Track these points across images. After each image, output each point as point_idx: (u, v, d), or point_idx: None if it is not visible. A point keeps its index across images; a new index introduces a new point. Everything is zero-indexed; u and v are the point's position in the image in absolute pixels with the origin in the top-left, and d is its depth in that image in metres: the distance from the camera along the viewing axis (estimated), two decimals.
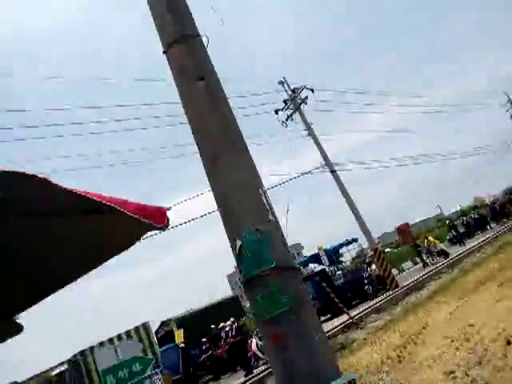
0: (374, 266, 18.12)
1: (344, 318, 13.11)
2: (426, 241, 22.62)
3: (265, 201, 2.12)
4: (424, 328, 7.46)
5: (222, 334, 14.43)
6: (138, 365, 8.13)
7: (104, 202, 1.98)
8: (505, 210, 29.35)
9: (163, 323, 18.69)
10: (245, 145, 2.34)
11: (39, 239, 2.29)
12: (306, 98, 19.03)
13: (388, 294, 15.56)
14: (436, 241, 22.10)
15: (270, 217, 2.07)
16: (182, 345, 14.55)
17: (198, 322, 16.75)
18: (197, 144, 2.32)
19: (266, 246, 1.91)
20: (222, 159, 2.15)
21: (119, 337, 12.68)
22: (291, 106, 19.28)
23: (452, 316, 7.39)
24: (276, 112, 19.23)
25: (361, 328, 11.22)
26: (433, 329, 7.14)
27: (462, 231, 29.03)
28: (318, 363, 1.75)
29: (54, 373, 17.51)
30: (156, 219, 2.80)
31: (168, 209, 3.10)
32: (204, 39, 2.66)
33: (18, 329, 3.08)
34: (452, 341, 5.77)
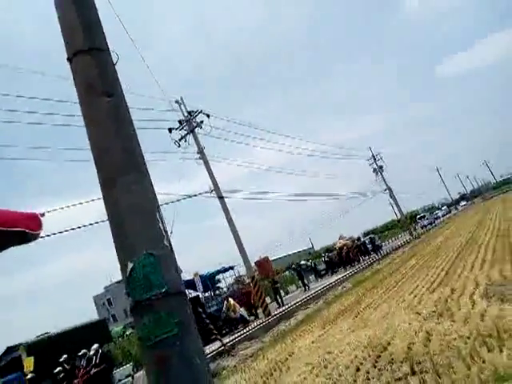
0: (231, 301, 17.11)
1: (216, 345, 13.16)
2: (225, 303, 17.17)
3: (161, 226, 2.12)
4: (290, 355, 7.96)
5: (83, 362, 13.11)
6: None
7: None
8: (350, 256, 30.38)
9: (9, 349, 16.06)
10: (146, 168, 2.33)
11: None
12: (202, 122, 19.39)
13: (259, 322, 16.19)
14: (236, 305, 17.07)
15: (165, 242, 2.08)
16: (31, 374, 12.69)
17: (56, 348, 14.87)
18: (95, 162, 2.22)
19: (158, 270, 1.91)
20: (122, 181, 2.09)
21: None
22: (186, 128, 19.40)
23: (314, 344, 8.06)
24: (170, 130, 19.14)
25: (232, 355, 11.39)
26: (297, 356, 7.67)
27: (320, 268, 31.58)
28: None
29: None
30: (28, 227, 2.55)
31: (42, 215, 2.82)
32: (114, 55, 2.61)
33: None
34: (313, 367, 6.28)
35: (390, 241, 51.65)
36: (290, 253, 73.54)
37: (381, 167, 47.19)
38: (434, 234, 34.36)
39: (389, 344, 5.81)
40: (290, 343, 9.37)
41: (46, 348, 15.34)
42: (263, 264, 21.25)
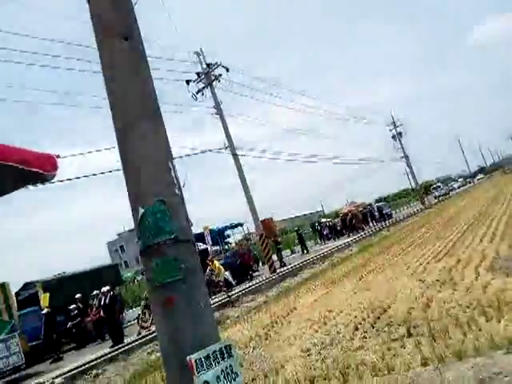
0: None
1: (222, 296, 13.69)
2: (209, 266, 15.88)
3: (173, 175, 2.15)
4: (292, 311, 8.25)
5: (95, 301, 13.87)
6: None
7: None
8: (353, 223, 29.99)
9: (27, 285, 17.01)
10: (161, 116, 2.31)
11: None
12: (220, 75, 18.91)
13: (266, 276, 16.68)
14: (221, 268, 16.08)
15: (176, 191, 2.11)
16: (47, 309, 13.50)
17: (70, 288, 15.68)
18: (111, 107, 2.21)
19: (168, 217, 1.96)
20: (136, 127, 2.09)
21: None
22: (204, 81, 18.98)
23: (316, 302, 8.32)
24: (187, 82, 18.69)
25: (236, 307, 11.87)
26: (299, 312, 7.95)
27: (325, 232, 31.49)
28: (202, 329, 1.90)
29: None
30: (43, 167, 2.59)
31: (57, 156, 2.87)
32: None
33: None
34: (313, 323, 6.53)
35: (402, 209, 51.48)
36: (300, 214, 74.21)
37: (400, 133, 46.13)
38: (447, 205, 34.04)
39: (389, 307, 5.96)
40: (293, 299, 9.67)
41: (61, 286, 16.20)
42: (267, 224, 21.38)
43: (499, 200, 20.97)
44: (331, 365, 4.39)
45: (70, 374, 8.59)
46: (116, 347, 10.57)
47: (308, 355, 5.09)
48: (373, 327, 5.33)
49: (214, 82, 18.96)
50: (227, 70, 18.92)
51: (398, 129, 46.23)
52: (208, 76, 18.87)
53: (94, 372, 8.53)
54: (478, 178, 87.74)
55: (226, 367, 1.85)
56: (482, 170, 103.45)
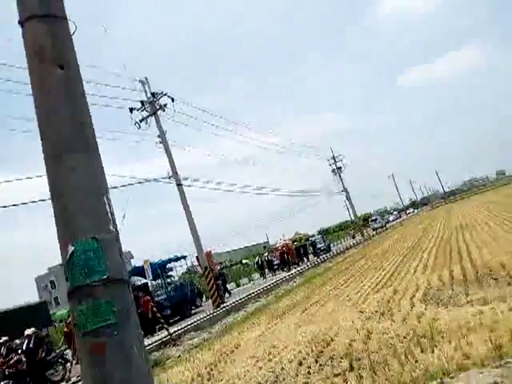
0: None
1: (163, 333, 12.99)
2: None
3: (107, 209, 2.02)
4: (236, 348, 8.01)
5: (14, 346, 12.41)
6: None
7: None
8: (289, 258, 28.80)
9: None
10: (96, 146, 2.20)
11: None
12: (165, 105, 18.90)
13: (209, 312, 16.18)
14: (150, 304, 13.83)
15: (111, 227, 1.98)
16: None
17: None
18: (41, 135, 2.07)
19: (100, 255, 1.82)
20: (69, 159, 1.96)
21: None
22: (148, 109, 18.83)
23: (261, 337, 8.16)
24: (131, 110, 18.47)
25: (178, 345, 11.30)
26: (243, 348, 7.74)
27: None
28: (134, 377, 1.74)
29: None
30: None
31: None
32: (71, 24, 2.44)
33: None
34: (257, 360, 6.36)
35: (343, 240, 53.38)
36: (245, 245, 74.04)
37: (339, 168, 48.55)
38: (383, 237, 35.89)
39: (332, 340, 5.99)
40: (237, 335, 9.43)
41: None
42: (206, 257, 20.90)
43: (429, 233, 22.56)
44: None
45: None
46: None
47: None
48: (316, 362, 5.31)
49: (159, 111, 18.86)
50: (172, 99, 18.93)
51: (338, 163, 48.74)
52: (153, 105, 18.76)
53: None
54: (409, 211, 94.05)
55: None
56: (413, 203, 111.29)
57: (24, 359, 11.11)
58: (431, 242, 16.73)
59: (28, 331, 11.75)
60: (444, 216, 36.60)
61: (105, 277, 1.79)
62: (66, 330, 13.29)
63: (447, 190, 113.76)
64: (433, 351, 4.36)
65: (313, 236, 40.92)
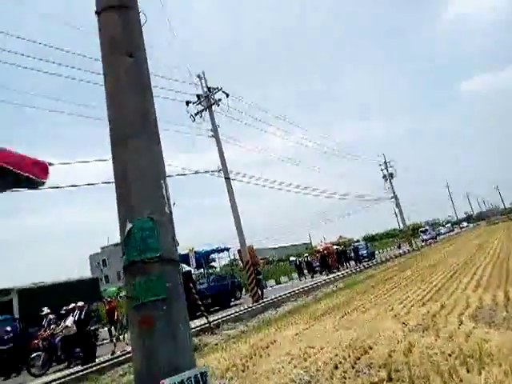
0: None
1: (201, 321, 13.35)
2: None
3: (164, 193, 2.13)
4: (272, 343, 8.05)
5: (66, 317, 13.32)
6: None
7: None
8: (329, 261, 28.42)
9: (2, 291, 16.48)
10: (157, 133, 2.32)
11: None
12: (220, 100, 19.31)
13: (248, 305, 16.37)
14: None
15: (166, 209, 2.09)
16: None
17: (47, 297, 15.20)
18: (109, 120, 2.22)
19: (155, 235, 1.93)
20: (132, 143, 2.10)
21: None
22: (203, 103, 19.32)
23: (297, 336, 8.14)
24: (187, 103, 19.07)
25: (216, 334, 11.56)
26: (279, 345, 7.76)
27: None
28: (178, 353, 1.83)
29: None
30: (36, 173, 2.57)
31: (49, 164, 2.85)
32: (142, 16, 2.58)
33: None
34: (292, 358, 6.36)
35: (389, 249, 51.55)
36: (287, 244, 73.89)
37: (391, 174, 46.82)
38: (433, 249, 34.17)
39: (370, 348, 5.84)
40: (274, 332, 9.46)
41: (39, 295, 15.70)
42: (249, 252, 20.98)
43: (485, 249, 21.13)
44: None
45: None
46: (87, 366, 10.14)
47: None
48: (353, 367, 5.21)
49: (213, 106, 19.31)
50: (227, 95, 19.32)
51: (390, 169, 47.04)
52: (208, 99, 19.23)
53: None
54: (463, 225, 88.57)
55: None
56: (469, 217, 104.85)
57: (61, 331, 11.85)
58: (486, 259, 15.67)
59: (79, 304, 12.57)
60: (503, 232, 34.12)
61: (158, 255, 1.90)
62: (107, 307, 13.98)
63: (508, 206, 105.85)
64: (480, 373, 4.11)
65: (357, 241, 39.85)
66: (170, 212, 2.12)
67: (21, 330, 13.53)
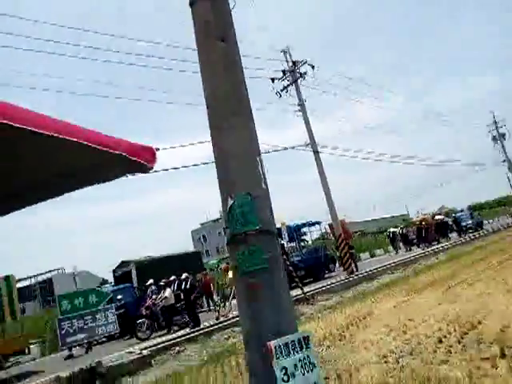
0: None
1: (296, 292, 13.74)
2: (226, 276, 14.11)
3: (260, 170, 2.25)
4: (369, 315, 8.00)
5: (173, 286, 14.63)
6: (94, 296, 8.43)
7: (85, 141, 2.04)
8: (427, 234, 26.61)
9: (123, 263, 18.97)
10: (251, 113, 2.43)
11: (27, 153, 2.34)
12: (305, 73, 18.91)
13: (342, 278, 16.34)
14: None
15: (263, 185, 2.21)
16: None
17: (158, 269, 17.09)
18: (206, 104, 2.39)
19: (254, 209, 2.07)
20: (228, 124, 2.24)
21: None
22: (289, 78, 19.11)
23: (396, 309, 7.95)
24: (272, 80, 19.02)
25: (311, 304, 11.84)
26: (377, 317, 7.68)
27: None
28: (282, 318, 1.98)
29: None
30: (145, 158, 2.86)
31: (157, 149, 3.17)
32: (231, 1, 2.66)
33: None
34: (391, 330, 6.26)
35: (500, 218, 46.34)
36: (384, 216, 70.85)
37: (503, 135, 41.41)
38: None
39: (479, 323, 5.48)
40: (370, 304, 9.36)
41: (151, 267, 17.74)
42: (341, 225, 20.52)
43: None
44: (410, 375, 4.19)
45: (155, 347, 9.40)
46: (196, 329, 11.23)
47: (385, 362, 4.92)
48: (459, 342, 4.95)
49: (299, 80, 19.01)
50: (313, 67, 18.84)
51: (501, 130, 41.56)
52: (293, 73, 18.97)
53: (177, 349, 9.20)
54: None
55: (304, 357, 1.91)
56: None
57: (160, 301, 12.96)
58: None
59: (184, 275, 13.79)
60: None
61: (257, 228, 2.04)
62: (203, 280, 14.94)
63: None
64: None
65: (461, 211, 36.38)
66: (267, 187, 2.24)
67: (137, 298, 15.37)
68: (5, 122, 1.65)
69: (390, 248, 30.48)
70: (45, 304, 45.21)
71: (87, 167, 2.75)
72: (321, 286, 15.09)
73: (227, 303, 13.21)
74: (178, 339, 10.01)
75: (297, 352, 1.89)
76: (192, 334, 10.41)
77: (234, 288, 13.37)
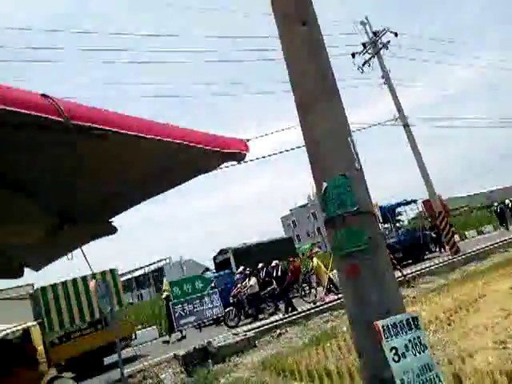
0: None
1: (395, 274, 13.16)
2: (310, 263, 14.60)
3: (352, 150, 2.22)
4: (480, 298, 7.36)
5: (262, 273, 15.03)
6: (199, 282, 9.18)
7: (179, 140, 2.19)
8: None
9: (222, 251, 20.20)
10: (338, 93, 2.39)
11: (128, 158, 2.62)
12: (388, 42, 17.65)
13: (445, 258, 15.22)
14: (321, 266, 13.67)
15: (357, 165, 2.18)
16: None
17: (253, 255, 17.81)
18: (292, 88, 2.42)
19: (349, 190, 2.06)
20: (316, 107, 2.24)
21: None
22: (370, 51, 18.03)
23: None
24: (353, 55, 18.09)
25: (412, 287, 11.27)
26: (489, 299, 7.04)
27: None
28: (387, 298, 1.96)
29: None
30: (238, 150, 3.00)
31: (247, 140, 3.31)
32: None
33: (114, 230, 3.67)
34: (509, 314, 5.70)
35: None
36: (491, 188, 63.68)
37: None
38: None
39: None
40: (481, 285, 8.58)
41: (248, 253, 18.59)
42: (439, 202, 18.79)
43: None
44: None
45: (258, 329, 9.87)
46: (295, 312, 11.49)
47: (503, 348, 4.51)
48: None
49: (382, 51, 17.86)
50: (396, 34, 17.52)
51: None
52: (375, 45, 17.88)
53: (278, 331, 9.55)
54: None
55: (414, 338, 1.86)
56: None
57: (247, 288, 13.24)
58: None
59: (274, 262, 14.00)
60: None
61: (354, 209, 2.03)
62: (291, 267, 15.08)
63: None
64: None
65: None
66: (361, 167, 2.20)
67: (235, 283, 16.13)
68: (114, 129, 1.89)
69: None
70: (157, 290, 50.22)
71: (184, 163, 2.98)
72: (422, 267, 14.25)
73: (319, 288, 13.23)
74: (279, 322, 10.37)
75: (405, 333, 1.85)
76: (292, 317, 10.69)
77: (326, 273, 13.43)
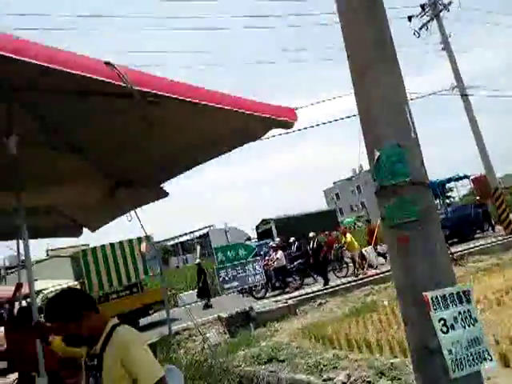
0: None
1: None
2: (343, 238, 14.20)
3: (408, 118, 2.13)
4: None
5: (293, 247, 15.01)
6: (243, 250, 9.48)
7: (231, 107, 2.21)
8: None
9: (264, 221, 20.51)
10: (396, 59, 2.26)
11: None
12: (450, 3, 16.19)
13: (499, 238, 14.47)
14: (354, 242, 13.57)
15: (412, 134, 2.10)
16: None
17: (295, 226, 17.93)
18: (347, 52, 2.33)
19: (403, 160, 2.00)
20: (371, 72, 2.15)
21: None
22: (429, 13, 16.65)
23: None
24: (409, 19, 16.76)
25: (460, 265, 10.89)
26: None
27: None
28: (438, 270, 1.92)
29: None
30: (288, 116, 3.00)
31: (296, 109, 3.29)
32: None
33: (165, 194, 3.85)
34: None
35: None
36: None
37: None
38: None
39: None
40: None
41: (290, 224, 18.74)
42: (479, 182, 17.46)
43: None
44: None
45: (299, 298, 10.07)
46: (336, 283, 11.55)
47: None
48: None
49: (442, 13, 16.45)
50: None
51: None
52: (434, 6, 16.48)
53: (319, 301, 9.69)
54: None
55: (464, 311, 1.82)
56: None
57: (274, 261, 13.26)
58: None
59: (311, 234, 13.94)
60: None
61: (407, 179, 1.97)
62: (326, 240, 14.81)
63: None
64: None
65: None
66: (416, 136, 2.11)
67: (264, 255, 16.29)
68: (168, 95, 1.94)
69: None
70: (202, 256, 52.23)
71: (235, 130, 3.02)
72: (472, 246, 13.68)
73: (363, 262, 13.11)
74: (320, 292, 10.50)
75: (455, 305, 1.82)
76: (334, 288, 10.77)
77: (357, 249, 13.29)
